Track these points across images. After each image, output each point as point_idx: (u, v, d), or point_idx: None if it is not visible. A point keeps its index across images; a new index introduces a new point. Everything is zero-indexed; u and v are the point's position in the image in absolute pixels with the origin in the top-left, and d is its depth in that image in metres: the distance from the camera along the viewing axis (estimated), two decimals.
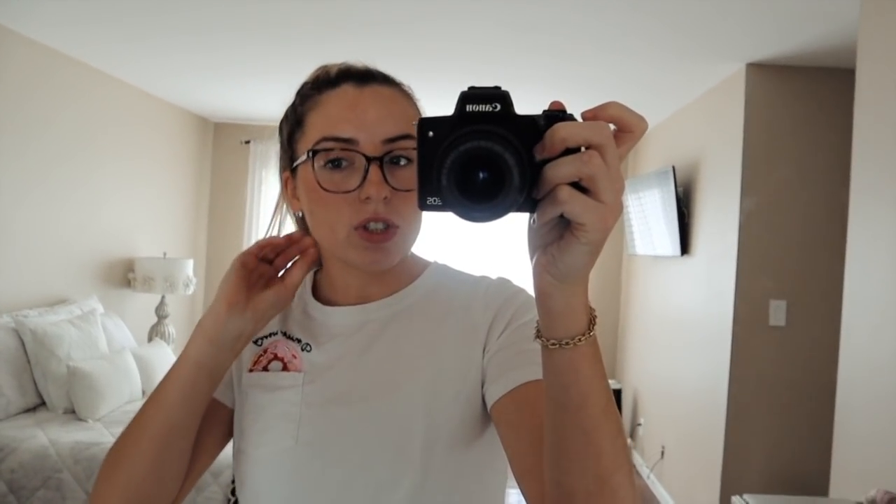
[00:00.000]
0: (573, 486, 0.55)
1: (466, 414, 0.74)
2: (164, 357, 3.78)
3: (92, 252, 4.01)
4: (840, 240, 2.34)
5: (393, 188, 0.72)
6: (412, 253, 0.86)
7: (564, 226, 0.47)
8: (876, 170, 2.19)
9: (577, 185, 0.45)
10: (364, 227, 0.73)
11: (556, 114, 0.47)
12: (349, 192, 0.72)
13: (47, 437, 2.68)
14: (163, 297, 4.42)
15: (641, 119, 0.49)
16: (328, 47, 3.08)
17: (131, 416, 2.71)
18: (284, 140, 0.81)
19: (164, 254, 4.62)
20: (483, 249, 4.93)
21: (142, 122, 4.52)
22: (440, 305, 0.81)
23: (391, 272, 0.82)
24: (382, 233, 0.73)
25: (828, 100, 3.03)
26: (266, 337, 0.84)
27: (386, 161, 0.72)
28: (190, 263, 4.46)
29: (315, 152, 0.74)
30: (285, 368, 0.80)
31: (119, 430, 2.88)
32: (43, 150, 3.51)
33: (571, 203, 0.45)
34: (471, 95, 0.47)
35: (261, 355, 0.83)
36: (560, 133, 0.45)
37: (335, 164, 0.73)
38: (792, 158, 3.08)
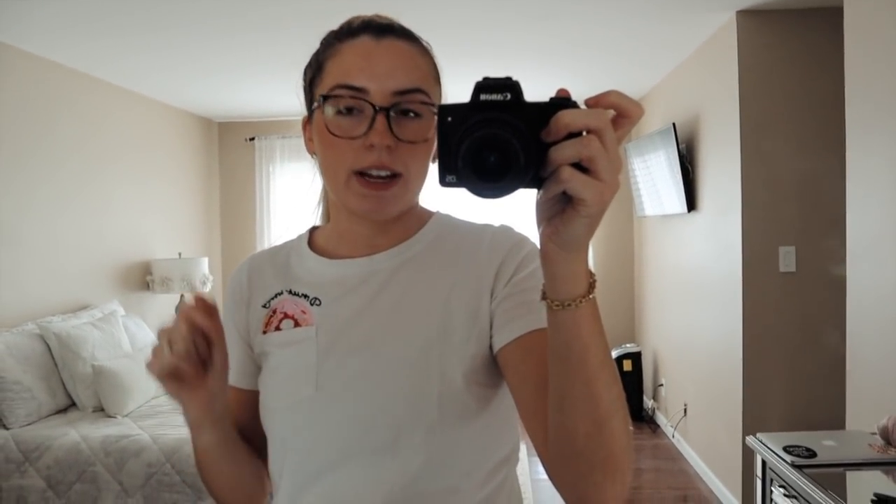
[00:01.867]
0: (574, 429, 0.62)
1: (477, 356, 0.77)
2: None
3: (110, 257, 4.11)
4: (842, 180, 2.33)
5: (398, 139, 0.74)
6: (417, 203, 0.88)
7: (567, 201, 0.53)
8: (868, 106, 2.18)
9: (579, 166, 0.51)
10: (363, 174, 0.75)
11: (561, 101, 0.53)
12: (355, 137, 0.75)
13: (79, 433, 2.77)
14: (181, 297, 4.52)
15: (638, 105, 0.54)
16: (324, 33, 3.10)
17: (159, 409, 2.81)
18: (306, 85, 0.84)
19: (180, 254, 4.71)
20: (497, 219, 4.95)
21: (149, 128, 4.60)
22: (446, 252, 0.84)
23: (399, 222, 0.84)
24: (383, 182, 0.76)
25: (819, 40, 3.00)
26: (272, 298, 0.86)
27: (394, 112, 0.75)
28: (205, 262, 4.55)
29: (326, 98, 0.77)
30: (297, 325, 0.82)
31: (148, 423, 2.96)
32: (55, 164, 3.60)
33: (573, 181, 0.50)
34: (485, 86, 0.53)
35: (271, 316, 0.85)
36: (563, 119, 0.50)
37: (346, 111, 0.76)
38: (789, 103, 3.05)
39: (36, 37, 3.20)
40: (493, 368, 0.78)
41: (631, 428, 0.66)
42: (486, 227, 0.86)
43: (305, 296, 0.84)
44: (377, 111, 0.74)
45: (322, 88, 0.78)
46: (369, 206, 0.77)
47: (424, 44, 0.83)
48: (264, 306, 0.87)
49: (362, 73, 0.75)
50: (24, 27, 3.06)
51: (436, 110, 0.75)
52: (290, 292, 0.86)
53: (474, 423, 0.77)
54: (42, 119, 3.53)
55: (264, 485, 0.89)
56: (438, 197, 0.80)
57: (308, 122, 0.84)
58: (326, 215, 0.95)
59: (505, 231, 0.84)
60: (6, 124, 3.28)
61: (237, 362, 0.90)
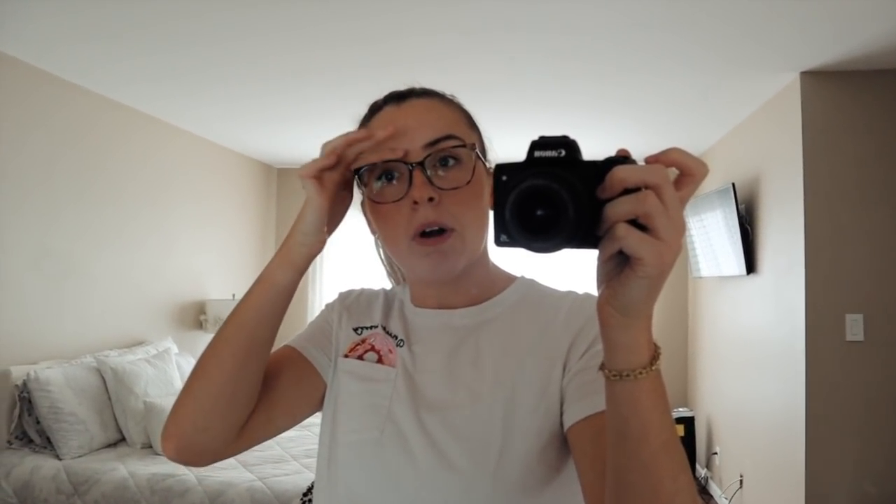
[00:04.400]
0: None
1: (544, 429, 0.74)
2: None
3: (166, 296, 4.22)
4: None
5: (440, 188, 0.73)
6: (496, 266, 0.88)
7: (625, 261, 0.49)
8: None
9: (637, 224, 0.48)
10: (420, 235, 0.75)
11: (619, 159, 0.51)
12: (399, 200, 0.74)
13: (127, 469, 2.80)
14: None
15: (702, 163, 0.51)
16: (383, 85, 3.19)
17: None
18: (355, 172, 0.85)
19: (234, 295, 4.79)
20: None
21: (209, 171, 4.77)
22: (524, 319, 0.82)
23: (473, 281, 0.83)
24: (438, 235, 0.74)
25: (888, 103, 2.92)
26: (367, 328, 0.88)
27: (429, 165, 0.74)
28: None
29: (358, 171, 0.77)
30: (380, 361, 0.83)
31: None
32: (118, 201, 3.76)
33: (628, 239, 0.47)
34: (539, 143, 0.52)
35: (358, 344, 0.86)
36: (619, 174, 0.48)
37: (387, 179, 0.76)
38: (857, 164, 2.97)
39: (107, 78, 3.37)
40: (563, 448, 0.74)
41: None
42: (568, 295, 0.83)
43: (395, 336, 0.86)
44: (412, 168, 0.73)
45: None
46: (432, 263, 0.76)
47: (448, 95, 0.83)
48: (356, 331, 0.88)
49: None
50: (97, 69, 3.23)
51: (472, 149, 0.76)
52: (384, 329, 0.87)
53: (530, 500, 0.73)
54: (109, 158, 3.70)
55: (237, 437, 0.78)
56: (524, 262, 0.77)
57: (363, 204, 0.84)
58: (397, 279, 0.97)
59: (586, 300, 0.81)
60: (78, 164, 3.45)
61: (310, 338, 0.89)
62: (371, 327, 0.88)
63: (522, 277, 0.89)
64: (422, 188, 0.72)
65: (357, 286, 0.97)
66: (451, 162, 0.75)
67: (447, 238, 0.74)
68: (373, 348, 0.85)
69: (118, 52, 2.95)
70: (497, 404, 0.75)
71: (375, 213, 0.78)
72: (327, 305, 0.94)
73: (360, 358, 0.84)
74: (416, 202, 0.73)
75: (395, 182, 0.75)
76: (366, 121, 0.82)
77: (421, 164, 0.73)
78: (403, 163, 0.74)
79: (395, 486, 0.75)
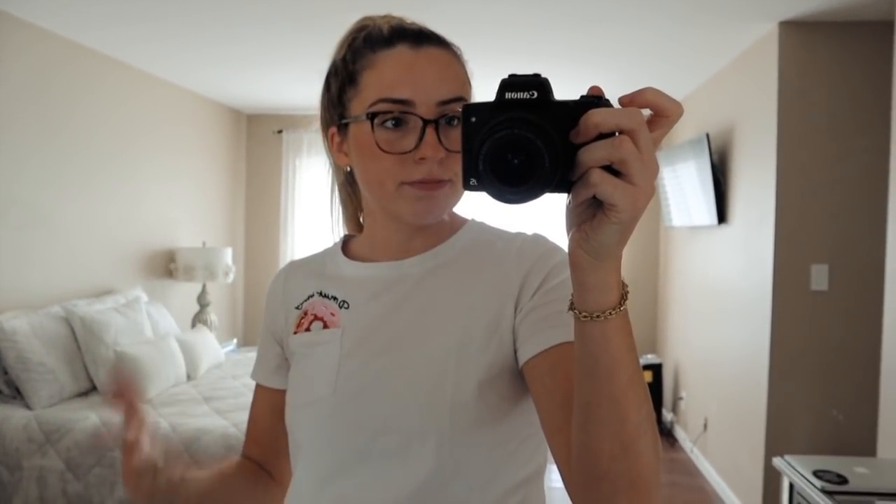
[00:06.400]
0: (599, 449, 0.58)
1: (495, 365, 0.75)
2: (207, 343, 3.88)
3: (135, 244, 4.14)
4: (883, 200, 2.28)
5: (447, 149, 0.74)
6: (453, 211, 0.88)
7: (598, 206, 0.49)
8: None
9: (611, 169, 0.47)
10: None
11: (592, 99, 0.49)
12: (406, 153, 0.74)
13: (100, 418, 2.79)
14: (204, 286, 4.54)
15: (677, 104, 0.50)
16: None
17: (178, 398, 2.85)
18: (334, 95, 0.82)
19: (204, 243, 4.73)
20: (528, 222, 4.90)
21: (178, 118, 4.63)
22: (475, 260, 0.83)
23: (432, 227, 0.84)
24: (435, 182, 0.76)
25: (865, 56, 2.93)
26: (305, 301, 0.88)
27: (441, 122, 0.75)
28: (229, 252, 4.57)
29: (374, 114, 0.75)
30: (325, 326, 0.84)
31: (168, 411, 2.98)
32: (85, 149, 3.63)
33: (602, 185, 0.47)
34: (510, 83, 0.50)
35: (302, 317, 0.87)
36: (593, 119, 0.47)
37: (393, 123, 0.75)
38: (829, 118, 2.99)
39: (73, 21, 3.23)
40: (517, 382, 0.77)
41: (661, 449, 0.61)
42: (518, 236, 0.84)
43: (335, 298, 0.86)
44: (426, 124, 0.73)
45: (361, 101, 0.77)
46: (422, 207, 0.77)
47: (456, 50, 0.82)
48: (297, 307, 0.89)
49: (406, 85, 0.74)
50: (61, 11, 3.08)
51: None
52: (320, 294, 0.87)
53: (489, 436, 0.75)
54: (76, 104, 3.56)
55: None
56: (478, 205, 0.79)
57: (336, 133, 0.83)
58: (352, 224, 0.95)
59: (536, 240, 0.82)
60: (43, 110, 3.31)
61: (266, 363, 0.94)
62: (308, 297, 0.88)
63: (473, 220, 0.89)
64: (435, 148, 0.73)
65: (280, 272, 0.96)
66: (456, 122, 0.76)
67: (443, 186, 0.76)
68: (316, 317, 0.85)
69: None
70: (450, 342, 0.76)
71: (371, 154, 0.76)
72: (264, 310, 0.96)
73: (308, 329, 0.86)
74: (423, 158, 0.74)
75: (399, 129, 0.75)
76: (370, 50, 0.77)
77: (436, 122, 0.74)
78: (419, 117, 0.74)
79: (352, 437, 0.76)
